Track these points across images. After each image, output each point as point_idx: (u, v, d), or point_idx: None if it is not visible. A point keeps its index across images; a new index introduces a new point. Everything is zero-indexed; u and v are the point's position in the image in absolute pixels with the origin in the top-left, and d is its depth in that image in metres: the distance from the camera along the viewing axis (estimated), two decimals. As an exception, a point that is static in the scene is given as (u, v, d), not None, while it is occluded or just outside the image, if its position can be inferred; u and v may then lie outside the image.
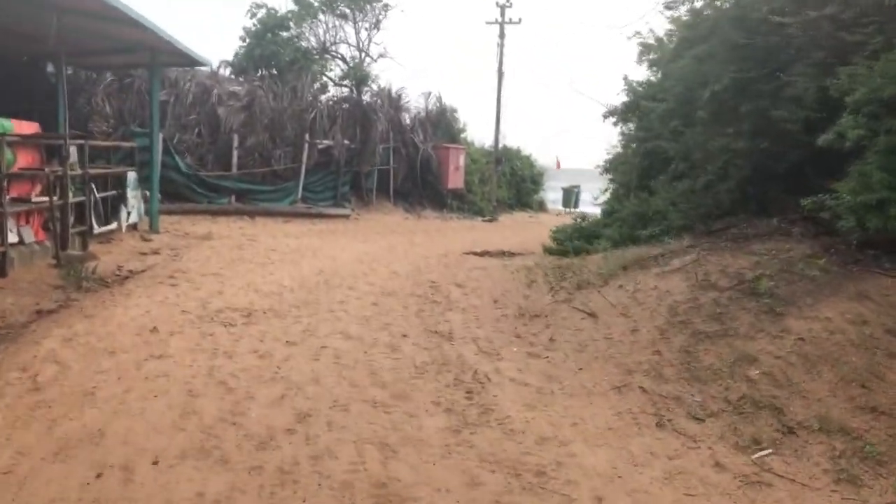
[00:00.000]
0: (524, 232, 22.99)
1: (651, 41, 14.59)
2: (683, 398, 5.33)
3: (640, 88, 14.21)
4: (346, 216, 23.53)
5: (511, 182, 35.84)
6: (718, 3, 9.70)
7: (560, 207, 40.15)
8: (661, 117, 11.22)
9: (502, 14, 31.72)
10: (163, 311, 7.99)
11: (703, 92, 9.80)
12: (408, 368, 6.20)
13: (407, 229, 21.44)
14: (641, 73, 15.10)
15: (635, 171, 13.90)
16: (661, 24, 14.31)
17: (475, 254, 15.29)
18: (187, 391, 5.44)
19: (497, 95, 31.80)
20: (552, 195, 41.65)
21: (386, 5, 27.70)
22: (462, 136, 32.08)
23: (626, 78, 14.89)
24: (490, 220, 27.94)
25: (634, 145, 15.52)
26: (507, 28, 31.66)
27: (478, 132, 33.37)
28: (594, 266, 9.95)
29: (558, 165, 43.37)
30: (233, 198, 21.27)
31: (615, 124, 16.12)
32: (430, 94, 29.81)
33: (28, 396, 5.19)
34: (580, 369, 6.12)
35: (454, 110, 31.16)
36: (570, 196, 40.73)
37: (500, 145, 34.31)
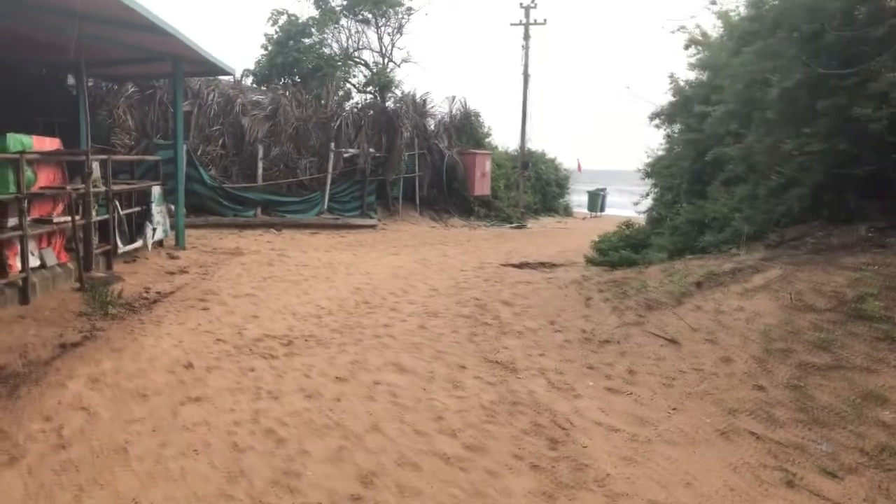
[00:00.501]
0: (558, 239, 22.23)
1: (698, 37, 13.83)
2: (807, 448, 4.57)
3: (689, 88, 13.42)
4: (373, 226, 22.90)
5: (536, 187, 35.14)
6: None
7: (586, 211, 39.47)
8: (721, 119, 10.41)
9: (527, 15, 31.04)
10: (196, 341, 7.34)
11: (768, 90, 9.03)
12: (475, 410, 5.49)
13: (436, 239, 20.76)
14: (686, 72, 14.26)
15: (685, 176, 13.09)
16: (707, 21, 13.41)
17: (513, 266, 14.56)
18: (232, 444, 4.76)
19: (523, 98, 31.13)
20: (577, 198, 40.93)
21: (409, 9, 27.18)
22: (487, 140, 31.39)
23: (672, 77, 14.12)
24: (519, 227, 27.21)
25: (679, 147, 14.75)
26: (533, 29, 30.98)
27: (502, 136, 32.73)
28: (655, 281, 9.19)
29: (579, 168, 42.68)
30: (258, 210, 20.71)
31: (659, 126, 15.35)
32: (454, 98, 29.20)
33: (53, 455, 4.53)
34: (673, 409, 5.37)
35: (478, 114, 30.52)
36: (596, 199, 40.09)
37: (525, 149, 33.65)
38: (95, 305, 8.65)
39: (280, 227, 20.23)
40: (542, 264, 14.74)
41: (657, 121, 14.82)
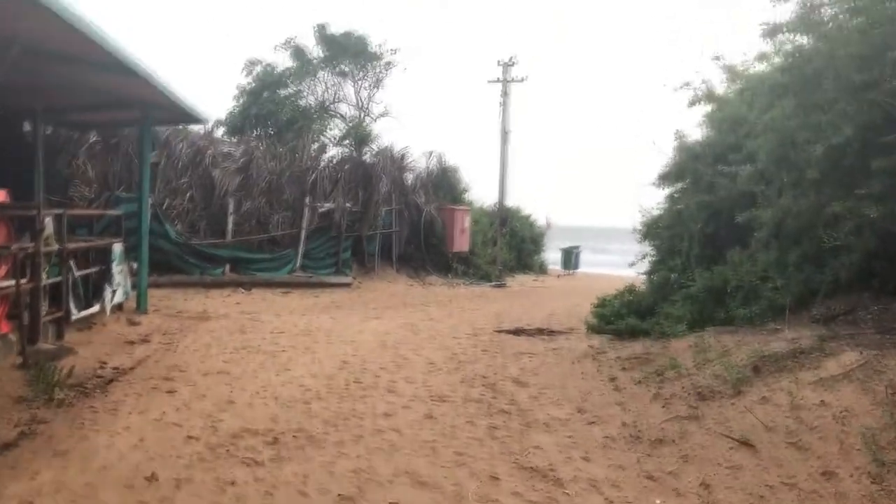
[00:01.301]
0: (542, 300, 21.18)
1: (705, 93, 13.10)
2: None
3: (698, 146, 12.60)
4: (348, 285, 21.68)
5: (511, 243, 34.35)
6: (822, 43, 8.06)
7: (559, 268, 38.72)
8: (749, 179, 9.51)
9: (504, 73, 30.63)
10: (161, 439, 6.02)
11: (808, 148, 8.17)
12: (526, 546, 4.28)
13: (417, 300, 19.57)
14: (691, 130, 13.47)
15: (696, 239, 12.17)
16: (713, 76, 12.70)
17: (509, 332, 13.42)
18: None
19: (501, 154, 30.48)
20: (550, 255, 40.22)
21: (388, 63, 26.44)
22: (464, 196, 30.54)
23: (678, 134, 13.32)
24: (499, 286, 26.17)
25: (686, 208, 13.91)
26: (512, 86, 30.48)
27: (478, 191, 31.95)
28: (688, 359, 8.13)
29: (549, 224, 42.07)
30: (227, 267, 19.38)
31: (659, 186, 14.52)
32: (431, 153, 28.40)
33: None
34: (779, 545, 4.22)
35: (456, 169, 29.76)
36: (570, 257, 39.48)
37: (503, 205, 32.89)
38: (39, 388, 7.28)
39: (250, 286, 18.92)
40: (540, 331, 13.61)
41: (659, 181, 13.97)
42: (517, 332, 13.50)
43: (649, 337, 11.13)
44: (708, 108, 13.24)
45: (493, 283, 26.40)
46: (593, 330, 13.11)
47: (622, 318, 12.57)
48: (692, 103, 13.35)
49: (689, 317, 10.47)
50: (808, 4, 8.00)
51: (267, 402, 7.51)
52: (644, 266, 16.05)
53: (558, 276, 35.90)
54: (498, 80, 30.29)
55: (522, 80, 30.50)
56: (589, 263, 42.87)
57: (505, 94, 30.12)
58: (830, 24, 7.54)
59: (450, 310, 17.33)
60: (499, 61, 30.38)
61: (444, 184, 28.67)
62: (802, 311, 8.60)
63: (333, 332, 12.70)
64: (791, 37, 8.73)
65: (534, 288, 27.16)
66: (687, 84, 12.86)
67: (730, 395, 6.29)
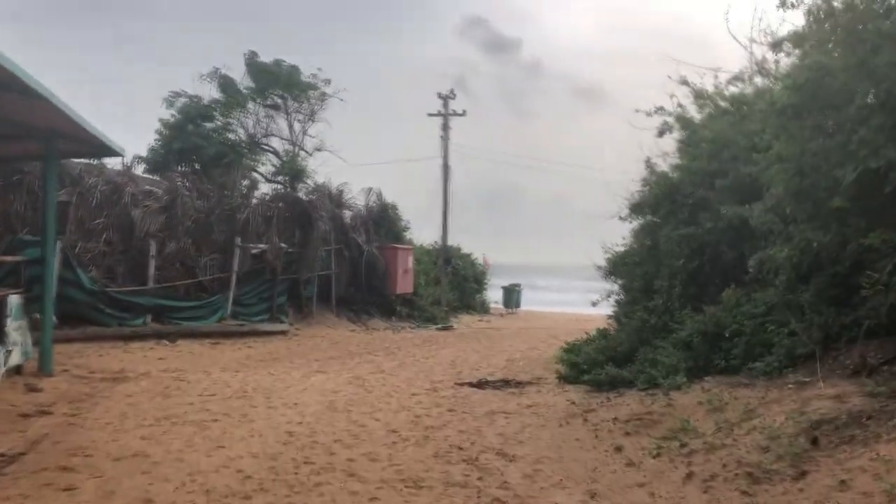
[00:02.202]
0: (494, 343, 19.84)
1: (673, 117, 12.15)
2: None
3: (675, 175, 11.57)
4: (285, 332, 19.95)
5: (454, 283, 33.14)
6: (851, 52, 7.04)
7: (501, 307, 37.73)
8: (769, 212, 8.40)
9: (445, 106, 29.70)
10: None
11: (832, 174, 7.11)
12: None
13: (362, 347, 17.98)
14: (661, 159, 12.48)
15: (677, 277, 11.06)
16: (686, 100, 11.72)
17: (471, 385, 12.01)
18: None
19: (444, 190, 29.43)
20: (491, 294, 39.17)
21: (323, 94, 25.01)
22: (405, 234, 29.20)
23: (649, 163, 12.31)
24: (445, 329, 24.79)
25: (649, 243, 12.85)
26: (453, 121, 29.50)
27: (417, 230, 30.71)
28: (705, 422, 6.89)
29: (486, 263, 41.11)
30: (149, 317, 17.42)
31: (628, 219, 13.47)
32: (370, 189, 27.04)
33: None
34: None
35: (395, 207, 28.46)
36: (512, 295, 38.64)
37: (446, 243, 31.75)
38: None
39: (175, 338, 17.00)
40: (506, 382, 12.24)
41: (630, 212, 12.92)
42: (480, 384, 12.09)
43: (634, 388, 9.93)
44: (678, 134, 12.31)
45: (440, 326, 25.00)
46: (566, 380, 11.83)
47: (599, 366, 11.32)
48: (662, 132, 12.42)
49: (684, 365, 9.28)
50: (826, 9, 7.00)
51: (196, 498, 5.88)
52: (611, 305, 14.99)
53: (502, 316, 34.88)
54: (439, 114, 29.25)
55: (463, 113, 29.53)
56: (529, 301, 41.94)
57: (446, 127, 29.08)
58: (862, 27, 6.52)
59: (400, 359, 15.80)
60: (439, 94, 29.40)
61: (384, 222, 27.31)
62: (824, 359, 7.46)
63: (273, 392, 11.05)
64: (801, 51, 7.75)
65: (481, 329, 25.85)
66: (660, 109, 11.91)
67: (791, 477, 5.01)
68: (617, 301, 14.52)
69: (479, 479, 6.47)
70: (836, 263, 7.60)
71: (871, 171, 6.59)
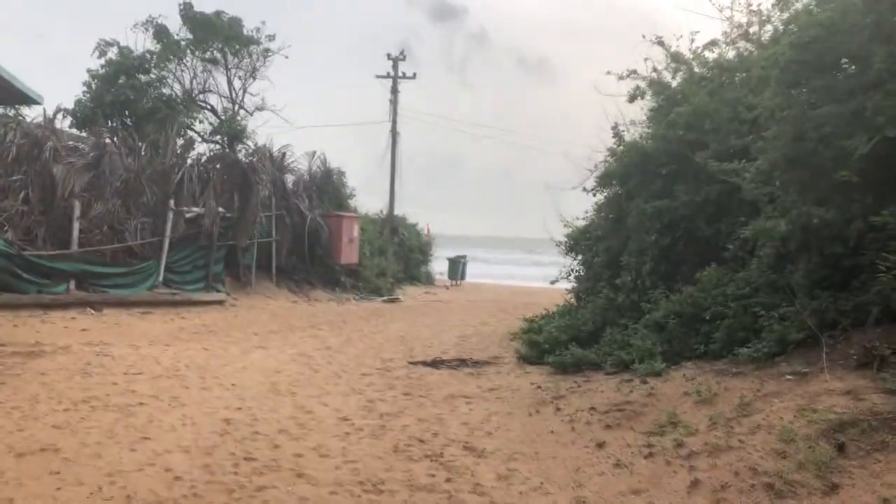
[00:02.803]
0: (443, 317, 19.07)
1: (646, 82, 11.42)
2: None
3: (649, 143, 10.84)
4: (221, 302, 18.80)
5: (399, 254, 32.18)
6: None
7: (446, 279, 37.07)
8: (760, 177, 7.67)
9: (395, 67, 28.51)
10: None
11: (841, 144, 6.43)
12: None
13: (305, 320, 16.96)
14: (634, 127, 11.75)
15: (647, 253, 10.39)
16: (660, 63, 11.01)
17: (425, 364, 11.19)
18: None
19: (391, 157, 28.34)
20: (435, 266, 38.45)
21: (266, 50, 23.55)
22: (350, 202, 28.05)
23: (616, 129, 11.56)
24: (392, 301, 23.91)
25: (614, 215, 12.18)
26: (403, 84, 28.33)
27: (362, 197, 29.51)
28: (695, 414, 6.23)
29: (428, 232, 40.37)
30: (72, 284, 16.03)
31: (592, 192, 12.75)
32: (314, 153, 25.74)
33: None
34: None
35: (342, 173, 27.23)
36: (457, 267, 37.95)
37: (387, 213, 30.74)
38: None
39: (101, 307, 15.72)
40: (462, 361, 11.45)
41: (597, 184, 12.19)
42: (435, 363, 11.28)
43: (601, 371, 9.27)
44: (650, 101, 11.59)
45: (386, 298, 24.09)
46: (526, 360, 11.13)
47: (562, 346, 10.63)
48: (633, 98, 11.69)
49: (659, 349, 8.62)
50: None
51: (114, 507, 4.91)
52: (570, 282, 14.33)
53: (447, 288, 34.16)
54: (387, 76, 28.07)
55: (413, 76, 28.41)
56: (473, 274, 41.38)
57: (394, 90, 27.92)
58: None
59: (346, 333, 14.86)
60: (388, 55, 28.16)
61: (328, 188, 26.11)
62: (817, 348, 6.84)
63: (208, 370, 10.03)
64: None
65: (428, 302, 25.05)
66: (633, 73, 11.15)
67: (821, 492, 4.32)
68: (577, 278, 13.87)
69: (448, 480, 5.65)
70: (834, 242, 6.96)
71: (889, 142, 5.92)
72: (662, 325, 9.11)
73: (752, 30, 10.13)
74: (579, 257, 13.72)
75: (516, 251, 76.91)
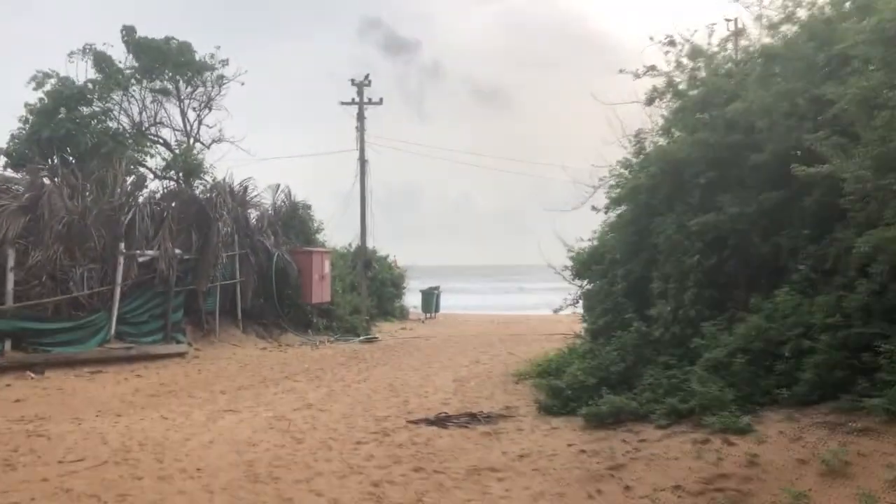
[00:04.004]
0: (431, 358, 17.21)
1: (661, 79, 9.96)
2: None
3: (680, 150, 9.27)
4: (182, 354, 16.82)
5: (371, 288, 30.32)
6: None
7: (420, 312, 35.31)
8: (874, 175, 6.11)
9: (360, 94, 26.83)
10: None
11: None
12: None
13: (278, 370, 15.07)
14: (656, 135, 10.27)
15: (691, 279, 8.79)
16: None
17: (429, 423, 9.41)
18: None
19: (361, 185, 26.58)
20: (409, 299, 36.69)
21: (221, 77, 21.77)
22: (318, 236, 26.23)
23: (639, 136, 10.06)
24: (370, 341, 22.00)
25: (630, 235, 10.64)
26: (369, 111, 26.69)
27: (330, 231, 27.75)
28: (843, 500, 4.55)
29: (396, 264, 38.68)
30: (7, 345, 13.92)
31: (605, 210, 11.23)
32: (278, 186, 23.94)
33: None
34: None
35: (308, 206, 25.45)
36: (431, 299, 36.15)
37: (358, 246, 28.90)
38: None
39: (42, 369, 13.67)
40: (472, 416, 9.67)
41: (612, 202, 10.65)
42: (440, 420, 9.51)
43: (648, 421, 7.64)
44: (673, 103, 10.11)
45: (363, 338, 22.18)
46: (548, 411, 9.43)
47: (590, 392, 8.98)
48: (651, 99, 10.20)
49: (731, 395, 7.00)
50: None
51: None
52: (579, 312, 12.74)
53: (422, 321, 32.41)
54: (353, 102, 26.42)
55: (380, 101, 26.82)
56: (446, 305, 39.70)
57: (361, 117, 26.28)
58: None
59: (327, 384, 13.02)
60: (352, 80, 26.56)
61: (294, 223, 24.31)
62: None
63: (167, 448, 8.15)
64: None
65: (407, 340, 23.17)
66: (652, 69, 9.66)
67: None
68: (588, 307, 12.25)
69: None
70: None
71: None
72: (724, 365, 7.49)
73: (798, 12, 8.66)
74: (591, 284, 12.09)
75: (486, 279, 75.57)
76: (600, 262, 11.72)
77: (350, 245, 30.37)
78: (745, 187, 8.32)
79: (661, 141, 10.50)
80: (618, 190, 10.50)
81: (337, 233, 31.11)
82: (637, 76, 9.75)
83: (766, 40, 9.02)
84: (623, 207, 10.85)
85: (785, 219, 7.98)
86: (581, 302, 12.57)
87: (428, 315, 34.55)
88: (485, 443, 8.16)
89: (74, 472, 7.05)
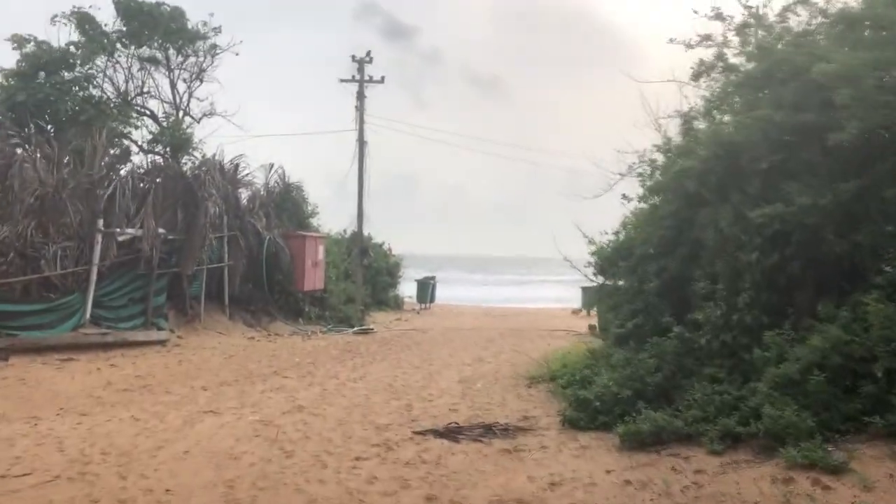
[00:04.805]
0: (431, 353, 16.03)
1: (711, 51, 8.75)
2: None
3: (738, 132, 8.06)
4: (163, 342, 15.64)
5: (366, 277, 29.12)
6: None
7: (415, 302, 34.19)
8: None
9: (361, 70, 25.52)
10: None
11: None
12: None
13: (266, 363, 13.88)
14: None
15: (747, 279, 7.61)
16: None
17: (438, 434, 8.23)
18: None
19: (359, 166, 25.27)
20: (403, 288, 35.57)
21: (214, 47, 20.43)
22: (311, 220, 25.03)
23: (688, 115, 8.86)
24: (364, 332, 20.79)
25: (668, 226, 9.46)
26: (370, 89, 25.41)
27: (325, 215, 26.54)
28: None
29: (391, 252, 37.53)
30: (-32, 328, 12.69)
31: (640, 199, 10.06)
32: (271, 166, 22.72)
33: None
34: None
35: (301, 188, 24.28)
36: (426, 289, 35.07)
37: (353, 231, 27.68)
38: None
39: (6, 354, 12.46)
40: (487, 428, 8.48)
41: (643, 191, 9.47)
42: (451, 432, 8.32)
43: (698, 444, 6.51)
44: (723, 78, 8.91)
45: (357, 329, 20.96)
46: (574, 425, 8.26)
47: (624, 405, 7.82)
48: (698, 74, 9.00)
49: (810, 422, 5.84)
50: None
51: None
52: (598, 311, 11.55)
53: (417, 312, 31.29)
54: (353, 80, 25.12)
55: (382, 80, 25.52)
56: (441, 295, 38.62)
57: (361, 95, 24.98)
58: None
59: (319, 381, 11.82)
60: (353, 57, 25.26)
61: (287, 205, 23.15)
62: None
63: (134, 458, 6.97)
64: None
65: (404, 332, 21.96)
66: (706, 38, 8.45)
67: None
68: (614, 307, 11.06)
69: None
70: None
71: None
72: (795, 383, 6.33)
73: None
74: (618, 282, 10.91)
75: (482, 270, 74.53)
76: (627, 257, 10.54)
77: (345, 231, 29.19)
78: (816, 175, 7.14)
79: (701, 124, 9.34)
80: (655, 176, 9.30)
81: (332, 218, 29.93)
82: (689, 47, 8.53)
83: (841, 4, 7.84)
84: (658, 197, 9.66)
85: (863, 212, 6.81)
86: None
87: (423, 306, 33.50)
88: (505, 463, 6.99)
89: (15, 493, 5.84)
